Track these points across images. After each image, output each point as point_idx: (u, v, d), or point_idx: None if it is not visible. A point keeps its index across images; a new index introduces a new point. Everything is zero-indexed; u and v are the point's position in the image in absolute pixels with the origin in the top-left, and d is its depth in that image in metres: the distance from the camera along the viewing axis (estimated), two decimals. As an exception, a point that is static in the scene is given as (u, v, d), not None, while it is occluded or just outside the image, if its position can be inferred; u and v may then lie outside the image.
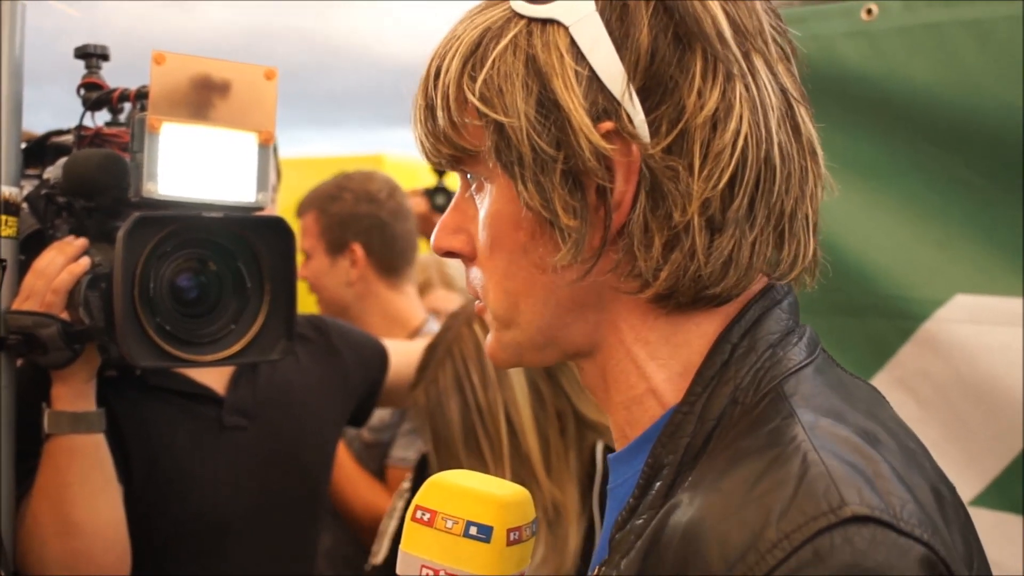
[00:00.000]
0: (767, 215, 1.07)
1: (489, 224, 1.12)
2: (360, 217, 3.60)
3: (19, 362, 2.12)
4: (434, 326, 3.58)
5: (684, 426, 1.07)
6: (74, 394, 2.08)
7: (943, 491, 1.02)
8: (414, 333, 3.55)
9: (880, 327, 2.40)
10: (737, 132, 1.03)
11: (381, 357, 2.80)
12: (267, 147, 2.04)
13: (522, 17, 1.07)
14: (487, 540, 1.14)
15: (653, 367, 1.12)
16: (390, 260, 3.61)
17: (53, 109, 2.22)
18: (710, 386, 1.08)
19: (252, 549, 2.38)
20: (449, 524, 1.15)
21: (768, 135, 1.05)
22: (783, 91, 1.08)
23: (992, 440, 2.23)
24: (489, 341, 1.20)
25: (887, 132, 2.37)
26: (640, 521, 1.06)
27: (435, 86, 1.11)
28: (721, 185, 1.03)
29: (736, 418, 1.06)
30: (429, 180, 5.41)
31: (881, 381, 2.37)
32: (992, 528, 2.21)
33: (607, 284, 1.09)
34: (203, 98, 1.96)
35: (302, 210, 3.71)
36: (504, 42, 1.06)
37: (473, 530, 1.15)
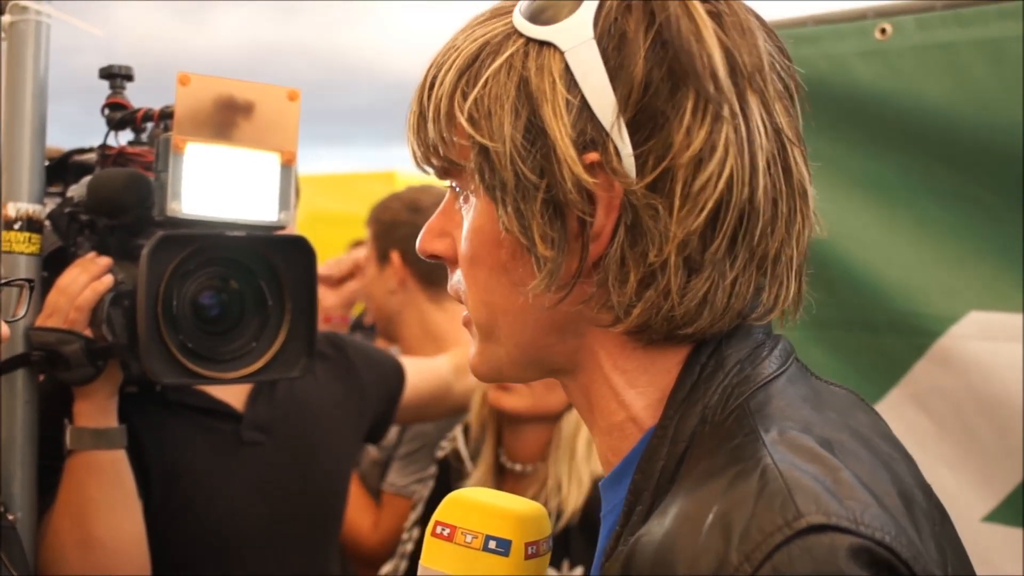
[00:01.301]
0: (748, 257, 1.05)
1: (471, 238, 1.12)
2: (400, 225, 3.58)
3: (41, 378, 2.14)
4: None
5: (659, 449, 1.07)
6: (96, 410, 2.10)
7: (916, 496, 1.02)
8: None
9: (894, 344, 2.41)
10: (719, 174, 1.01)
11: (398, 374, 2.81)
12: (289, 167, 2.05)
13: (521, 36, 1.05)
14: (506, 554, 1.16)
15: (632, 395, 1.11)
16: (429, 270, 3.56)
17: (64, 125, 2.23)
18: (681, 408, 1.07)
19: (269, 564, 2.39)
20: (469, 539, 1.17)
21: (753, 178, 1.02)
22: (777, 132, 1.06)
23: (1005, 456, 2.24)
24: (471, 354, 1.20)
25: (901, 150, 2.38)
26: (623, 549, 1.04)
27: (429, 97, 1.10)
28: (698, 226, 1.01)
29: (705, 437, 1.05)
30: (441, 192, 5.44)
31: (895, 397, 2.38)
32: (1004, 543, 2.22)
33: (584, 315, 1.08)
34: (227, 119, 1.98)
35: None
36: (500, 60, 1.05)
37: (492, 544, 1.16)
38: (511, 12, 1.08)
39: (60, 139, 2.32)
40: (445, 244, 1.17)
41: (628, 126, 1.01)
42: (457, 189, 1.15)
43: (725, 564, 0.89)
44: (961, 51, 2.28)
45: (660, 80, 1.01)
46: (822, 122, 2.40)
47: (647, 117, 1.01)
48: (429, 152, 1.12)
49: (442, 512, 1.20)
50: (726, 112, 1.01)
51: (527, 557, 1.17)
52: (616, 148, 1.01)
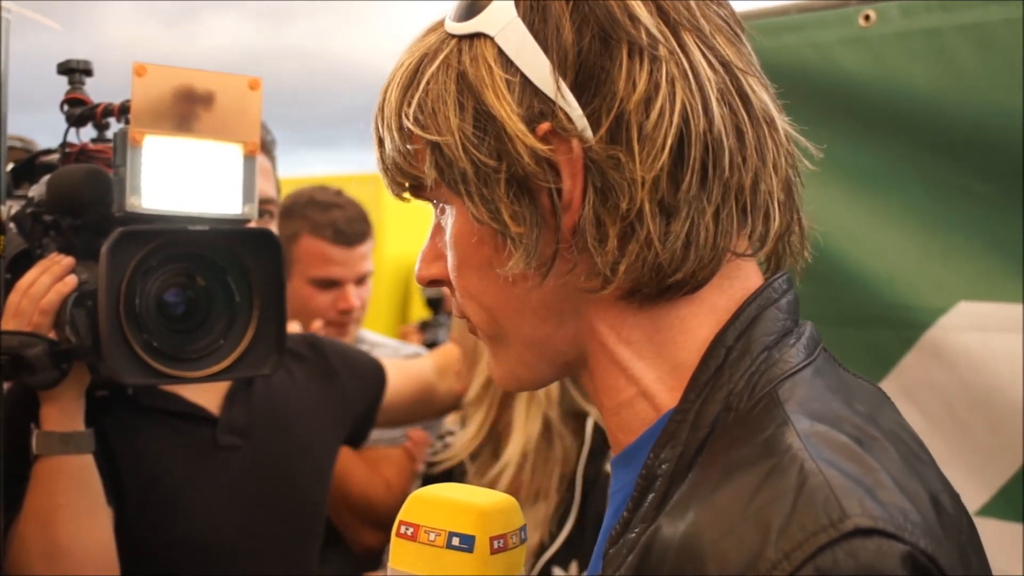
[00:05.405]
0: (723, 191, 1.04)
1: (454, 245, 1.13)
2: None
3: (8, 384, 2.10)
4: (367, 334, 3.77)
5: (677, 434, 1.04)
6: (62, 414, 2.06)
7: (943, 501, 0.99)
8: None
9: (883, 336, 2.37)
10: (671, 109, 1.01)
11: (379, 375, 2.77)
12: (252, 158, 2.01)
13: (453, 37, 1.08)
14: (470, 550, 1.13)
15: (641, 367, 1.10)
16: None
17: (52, 131, 2.20)
18: (704, 392, 1.05)
19: (248, 570, 2.35)
20: (432, 537, 1.15)
21: (708, 109, 1.03)
22: (724, 64, 1.06)
23: (997, 449, 2.21)
24: (490, 366, 1.20)
25: (887, 139, 2.35)
26: (633, 535, 1.03)
27: (381, 119, 1.13)
28: (663, 165, 1.01)
29: (730, 425, 1.03)
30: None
31: (885, 391, 2.34)
32: (998, 538, 2.18)
33: (574, 287, 1.07)
34: (186, 110, 1.93)
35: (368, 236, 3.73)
36: (436, 63, 1.07)
37: (456, 540, 1.14)
38: (443, 23, 1.11)
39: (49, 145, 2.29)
40: (440, 267, 1.18)
41: (572, 89, 1.02)
42: (435, 202, 1.16)
43: (760, 560, 0.86)
44: (946, 37, 2.25)
45: (591, 37, 1.03)
46: (807, 111, 2.37)
47: (588, 76, 1.02)
48: (395, 173, 1.13)
49: (406, 511, 1.18)
50: (662, 52, 1.02)
51: (493, 552, 1.14)
52: (566, 113, 1.01)
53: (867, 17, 2.35)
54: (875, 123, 2.37)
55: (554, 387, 2.59)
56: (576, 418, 2.64)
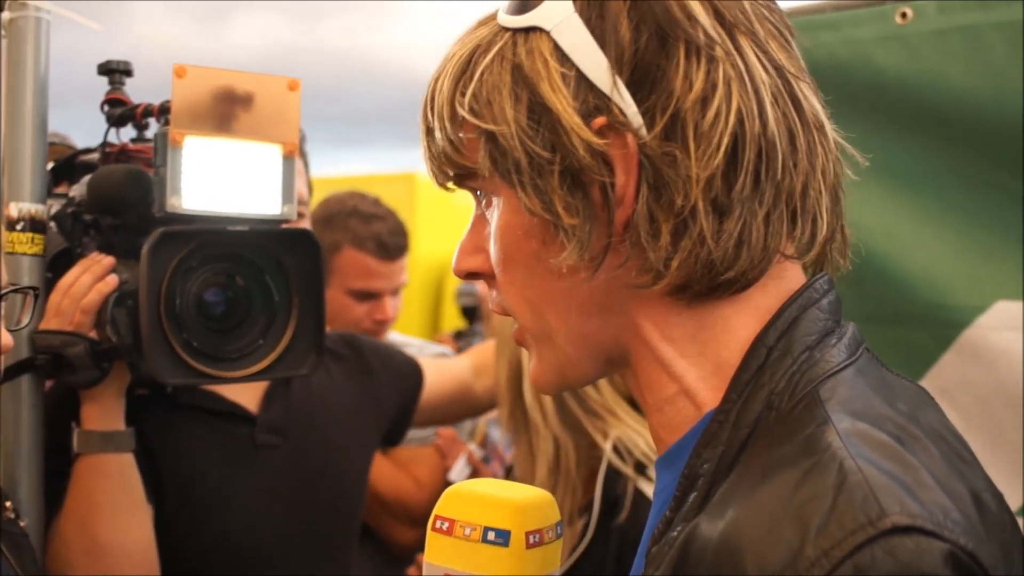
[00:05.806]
0: (775, 193, 1.05)
1: (500, 237, 1.13)
2: None
3: (49, 382, 2.11)
4: (393, 335, 3.81)
5: (719, 434, 1.05)
6: (103, 413, 2.07)
7: (986, 500, 0.98)
8: None
9: (920, 336, 2.35)
10: (727, 109, 1.02)
11: (416, 374, 2.78)
12: (291, 159, 2.02)
13: (507, 30, 1.08)
14: (505, 544, 1.14)
15: (683, 365, 1.10)
16: None
17: (86, 128, 2.22)
18: (745, 392, 1.05)
19: (285, 568, 2.36)
20: (467, 531, 1.15)
21: (762, 111, 1.03)
22: (777, 68, 1.06)
23: (1037, 449, 2.19)
24: (532, 367, 1.20)
25: (924, 137, 2.33)
26: (675, 534, 1.03)
27: (431, 108, 1.13)
28: (718, 164, 1.01)
29: (771, 424, 1.03)
30: (461, 194, 5.55)
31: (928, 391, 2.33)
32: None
33: (623, 282, 1.07)
34: (226, 111, 1.95)
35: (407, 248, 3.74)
36: (491, 55, 1.08)
37: (491, 535, 1.14)
38: (496, 16, 1.12)
39: (82, 142, 2.31)
40: (480, 259, 1.18)
41: (628, 86, 1.03)
42: (479, 193, 1.16)
43: (799, 558, 0.86)
44: (983, 34, 2.24)
45: (648, 36, 1.03)
46: (843, 109, 2.35)
47: (644, 73, 1.03)
48: (442, 163, 1.14)
49: (441, 506, 1.19)
50: (719, 52, 1.03)
51: (529, 546, 1.15)
52: (621, 110, 1.02)
53: (903, 15, 2.34)
54: (912, 121, 2.35)
55: (548, 403, 2.58)
56: (580, 434, 2.62)
